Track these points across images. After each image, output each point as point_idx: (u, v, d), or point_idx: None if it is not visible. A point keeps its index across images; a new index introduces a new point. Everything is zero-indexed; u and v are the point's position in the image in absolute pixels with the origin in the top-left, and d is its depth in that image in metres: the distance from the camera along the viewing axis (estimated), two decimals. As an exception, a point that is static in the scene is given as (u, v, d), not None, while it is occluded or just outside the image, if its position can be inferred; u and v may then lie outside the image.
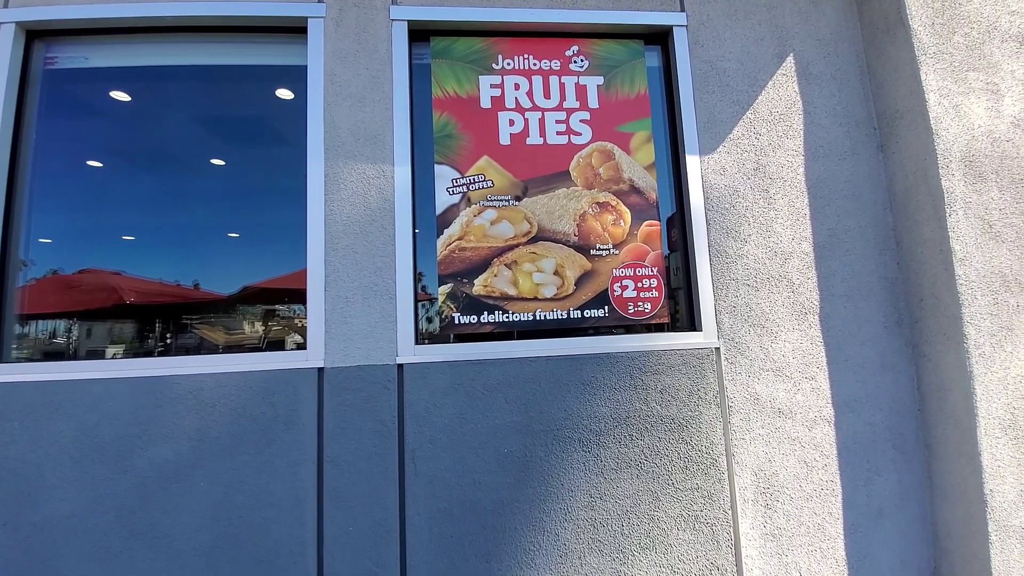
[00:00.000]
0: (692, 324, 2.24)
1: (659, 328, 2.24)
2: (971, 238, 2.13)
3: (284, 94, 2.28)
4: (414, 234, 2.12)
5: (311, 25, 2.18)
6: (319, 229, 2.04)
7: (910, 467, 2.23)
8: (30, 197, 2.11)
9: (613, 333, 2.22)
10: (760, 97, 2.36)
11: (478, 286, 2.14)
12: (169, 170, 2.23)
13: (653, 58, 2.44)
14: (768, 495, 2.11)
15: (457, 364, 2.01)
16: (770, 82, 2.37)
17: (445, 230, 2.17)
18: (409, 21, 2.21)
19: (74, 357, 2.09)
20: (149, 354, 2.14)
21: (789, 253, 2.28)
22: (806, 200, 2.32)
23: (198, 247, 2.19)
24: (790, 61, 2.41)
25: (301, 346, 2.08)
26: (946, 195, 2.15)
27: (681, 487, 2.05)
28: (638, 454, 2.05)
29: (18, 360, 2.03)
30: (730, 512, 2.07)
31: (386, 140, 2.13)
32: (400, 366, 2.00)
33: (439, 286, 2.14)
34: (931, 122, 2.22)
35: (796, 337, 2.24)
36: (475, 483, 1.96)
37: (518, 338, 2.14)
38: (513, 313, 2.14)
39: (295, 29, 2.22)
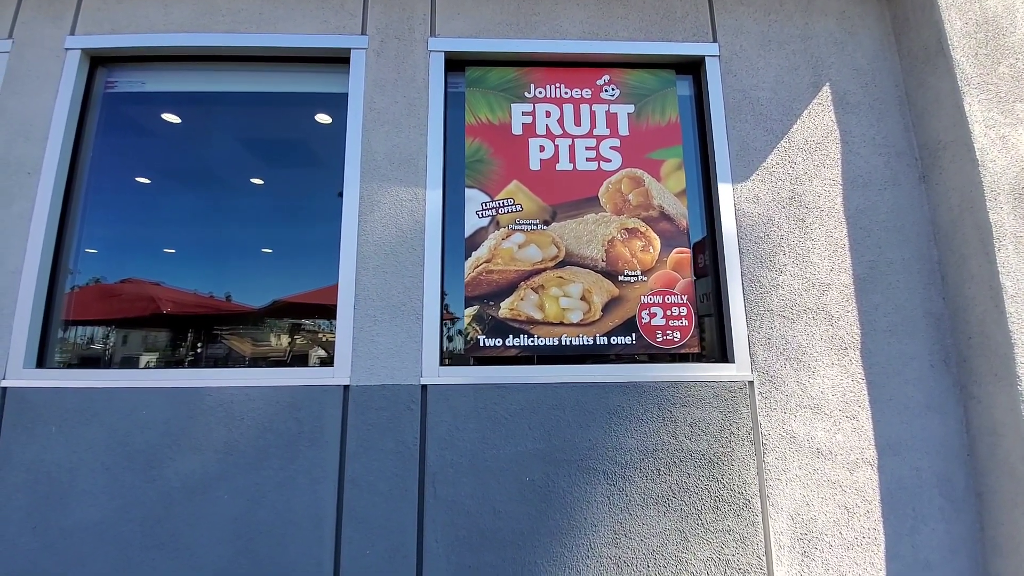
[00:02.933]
0: (723, 355, 2.17)
1: (688, 358, 2.17)
2: (1022, 273, 2.01)
3: (323, 119, 2.38)
4: (442, 255, 2.14)
5: (354, 56, 2.29)
6: (352, 248, 2.09)
7: (959, 517, 2.06)
8: (83, 210, 2.24)
9: (640, 361, 2.17)
10: (795, 126, 2.33)
11: (504, 309, 2.14)
12: (211, 187, 2.34)
13: (684, 87, 2.45)
14: (805, 542, 1.98)
15: (481, 387, 2.00)
16: (805, 111, 2.35)
17: (473, 252, 2.19)
18: (446, 52, 2.30)
19: (110, 363, 2.17)
20: (180, 363, 2.20)
21: (827, 284, 2.20)
22: (845, 230, 2.26)
23: (233, 261, 2.27)
24: (826, 90, 2.38)
25: (326, 361, 2.11)
26: (994, 228, 2.05)
27: (712, 528, 1.95)
28: (666, 490, 1.97)
29: (59, 365, 2.12)
30: (764, 558, 1.95)
31: (419, 164, 2.18)
32: (424, 387, 1.99)
33: (465, 308, 2.14)
34: (976, 153, 2.14)
35: (835, 373, 2.14)
36: (495, 512, 1.91)
37: (543, 363, 2.11)
38: (538, 337, 2.13)
39: (338, 59, 2.33)
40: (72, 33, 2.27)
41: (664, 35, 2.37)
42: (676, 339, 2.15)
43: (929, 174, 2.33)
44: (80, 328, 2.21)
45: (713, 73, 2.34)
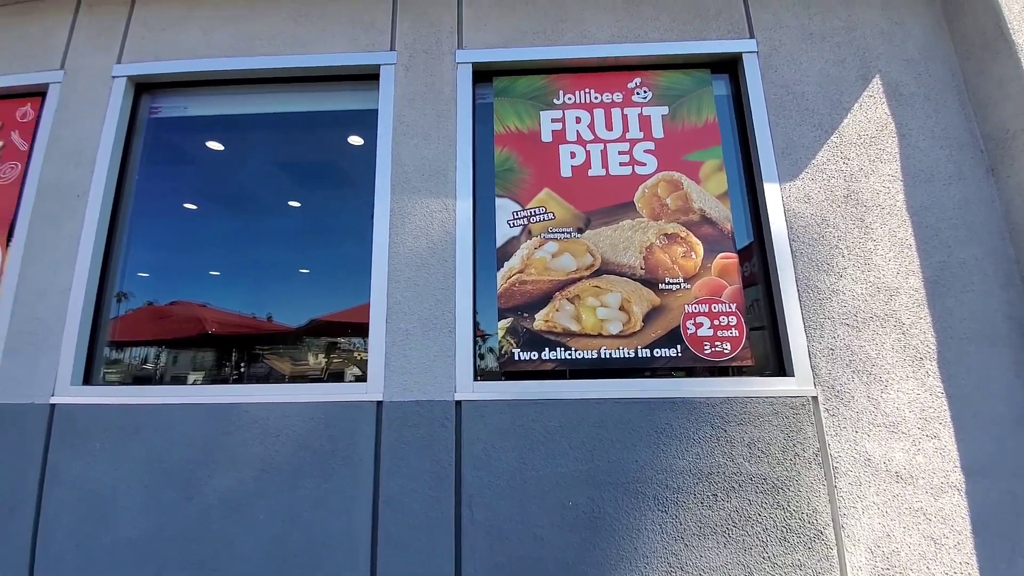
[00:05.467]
0: (780, 368, 1.95)
1: (741, 371, 1.96)
2: None
3: (355, 140, 2.35)
4: (474, 266, 2.03)
5: (383, 72, 2.26)
6: (383, 262, 2.01)
7: None
8: (128, 231, 2.26)
9: (687, 375, 1.97)
10: (846, 120, 2.13)
11: (539, 321, 2.00)
12: (251, 209, 2.33)
13: (720, 86, 2.30)
14: (890, 580, 1.71)
15: (517, 403, 1.85)
16: (856, 104, 2.15)
17: (505, 263, 2.07)
18: (474, 64, 2.24)
19: (160, 382, 2.15)
20: (225, 381, 2.16)
21: (895, 289, 1.96)
22: (910, 229, 2.02)
23: (272, 282, 2.24)
24: (876, 82, 2.18)
25: (360, 378, 2.01)
26: (1092, 221, 1.78)
27: (780, 563, 1.70)
28: (725, 518, 1.74)
29: (109, 383, 2.10)
30: (842, 598, 1.68)
31: (449, 175, 2.10)
32: (458, 403, 1.86)
33: (499, 320, 2.01)
34: (1058, 139, 1.89)
35: (911, 387, 1.88)
36: (537, 538, 1.73)
37: (581, 377, 1.95)
38: (576, 350, 1.97)
39: (368, 76, 2.30)
40: (119, 62, 2.33)
41: (697, 34, 2.24)
42: (726, 351, 1.95)
43: (998, 166, 2.08)
44: (134, 349, 2.22)
45: (752, 69, 2.18)
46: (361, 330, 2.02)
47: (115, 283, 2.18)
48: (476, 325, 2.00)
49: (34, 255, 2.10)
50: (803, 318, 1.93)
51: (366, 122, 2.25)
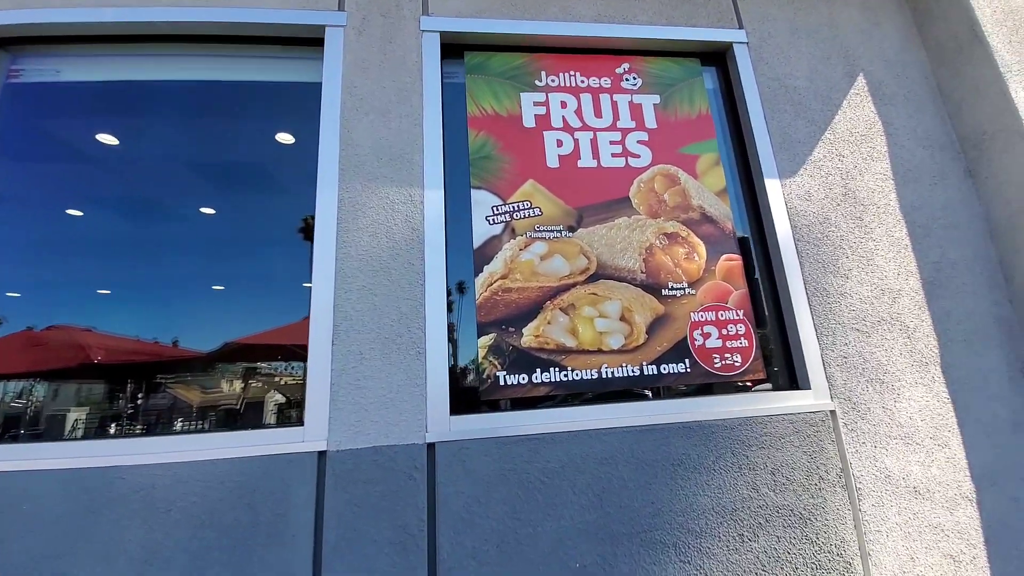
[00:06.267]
0: (793, 380, 1.74)
1: (750, 386, 1.73)
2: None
3: (285, 138, 1.87)
4: (447, 271, 1.64)
5: (329, 35, 1.82)
6: (328, 264, 1.56)
7: None
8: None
9: (697, 394, 1.70)
10: (837, 117, 2.03)
11: (528, 336, 1.64)
12: (151, 214, 1.77)
13: (709, 79, 2.12)
14: (926, 615, 1.51)
15: (506, 441, 1.46)
16: (845, 101, 2.06)
17: (485, 267, 1.69)
18: (442, 33, 1.87)
19: (34, 421, 1.51)
20: (117, 417, 1.57)
21: (897, 291, 1.84)
22: (904, 229, 1.93)
23: (178, 300, 1.69)
24: (861, 80, 2.11)
25: (293, 421, 1.51)
26: (1073, 220, 1.76)
27: (821, 613, 1.45)
28: (753, 561, 1.47)
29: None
30: (884, 645, 1.46)
31: (414, 160, 1.71)
32: (430, 446, 1.44)
33: (479, 337, 1.63)
34: (1034, 141, 1.88)
35: (920, 394, 1.74)
36: (537, 618, 1.34)
37: (581, 403, 1.61)
38: (572, 370, 1.63)
39: (308, 41, 1.85)
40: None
41: (686, 20, 2.05)
42: (737, 364, 1.70)
43: (976, 167, 2.06)
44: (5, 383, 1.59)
45: (743, 60, 2.02)
46: (297, 355, 1.53)
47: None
48: (452, 343, 1.60)
49: None
50: (814, 324, 1.73)
51: (306, 99, 1.79)
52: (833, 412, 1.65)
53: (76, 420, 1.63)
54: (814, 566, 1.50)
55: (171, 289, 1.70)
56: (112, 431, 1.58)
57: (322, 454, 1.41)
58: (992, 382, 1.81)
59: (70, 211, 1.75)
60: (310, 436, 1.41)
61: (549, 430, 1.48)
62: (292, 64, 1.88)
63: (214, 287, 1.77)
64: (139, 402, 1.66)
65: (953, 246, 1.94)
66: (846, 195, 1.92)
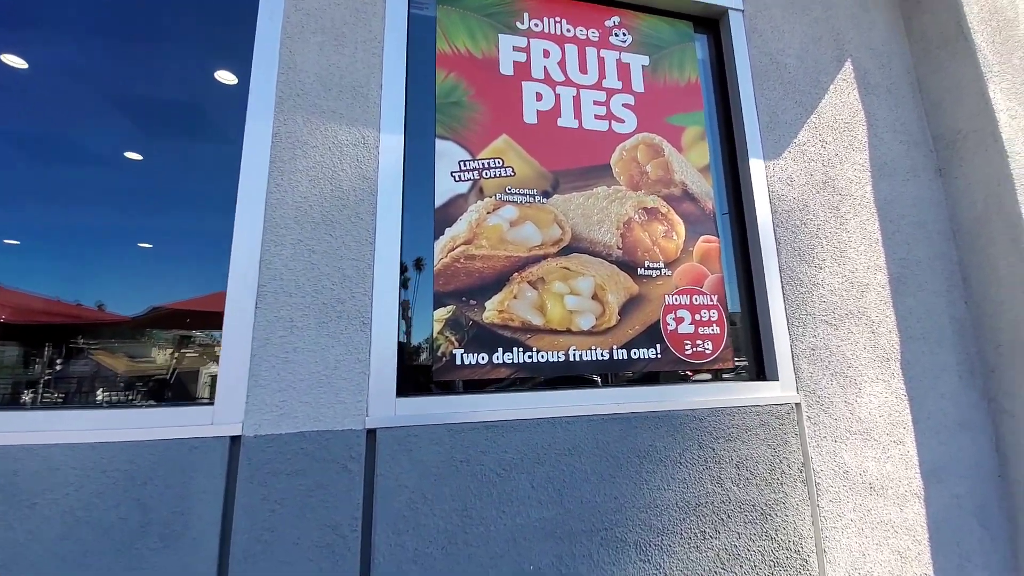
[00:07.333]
0: (760, 371, 1.66)
1: (718, 375, 1.64)
2: (1061, 276, 1.75)
3: (225, 77, 1.51)
4: (402, 230, 1.39)
5: (268, -68, 1.47)
6: (255, 212, 1.27)
7: (996, 547, 1.74)
8: None
9: (666, 381, 1.59)
10: (823, 101, 1.93)
11: (491, 311, 1.44)
12: (70, 156, 1.37)
13: (701, 48, 1.96)
14: (871, 606, 1.51)
15: (460, 428, 1.27)
16: (832, 86, 1.96)
17: (447, 229, 1.47)
18: (409, -50, 1.57)
19: None
20: (33, 384, 1.23)
21: (866, 285, 1.80)
22: (876, 223, 1.88)
23: (100, 258, 1.33)
24: (848, 67, 2.02)
25: (204, 400, 1.24)
26: (1030, 225, 1.78)
27: (777, 609, 1.40)
28: (713, 560, 1.39)
29: None
30: (831, 638, 1.44)
31: (370, 95, 1.42)
32: (371, 432, 1.22)
33: (435, 309, 1.41)
34: (1004, 143, 1.88)
35: (880, 389, 1.72)
36: (484, 624, 1.19)
37: (544, 387, 1.44)
38: (539, 351, 1.45)
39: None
40: None
41: (683, -23, 1.86)
42: (707, 351, 1.60)
43: (947, 167, 2.05)
44: None
45: (737, 29, 1.87)
46: (214, 321, 1.25)
47: None
48: (404, 313, 1.37)
49: None
50: (787, 314, 1.66)
51: (241, 23, 1.44)
52: (798, 405, 1.59)
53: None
54: (772, 563, 1.44)
55: (93, 245, 1.35)
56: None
57: (235, 440, 1.15)
58: (943, 380, 1.82)
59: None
60: (221, 418, 1.16)
61: (509, 416, 1.31)
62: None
63: (140, 244, 1.42)
64: (57, 369, 1.33)
65: (920, 244, 1.93)
66: (826, 183, 1.84)
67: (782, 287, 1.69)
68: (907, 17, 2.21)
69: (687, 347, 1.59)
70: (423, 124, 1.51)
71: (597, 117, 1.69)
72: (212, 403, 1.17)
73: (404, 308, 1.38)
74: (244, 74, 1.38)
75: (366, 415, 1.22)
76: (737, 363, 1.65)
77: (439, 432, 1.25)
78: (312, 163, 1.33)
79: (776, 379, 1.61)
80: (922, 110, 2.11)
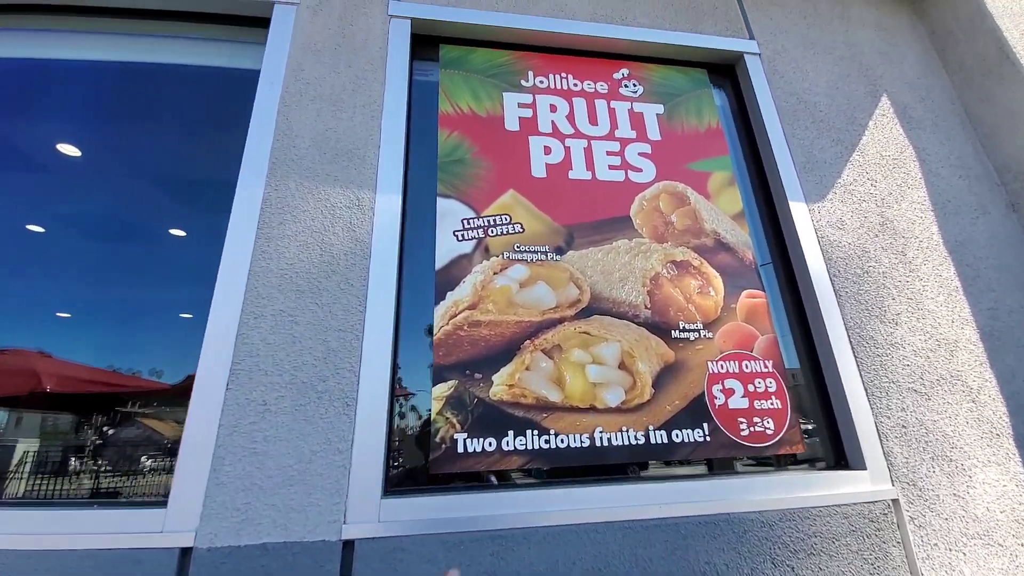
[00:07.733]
0: (840, 457, 1.33)
1: (785, 462, 1.32)
2: None
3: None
4: (398, 295, 1.24)
5: (278, 13, 1.52)
6: (237, 282, 1.15)
7: None
8: None
9: (719, 473, 1.28)
10: (864, 138, 1.75)
11: (499, 386, 1.22)
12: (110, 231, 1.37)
13: (719, 96, 1.86)
14: None
15: (459, 541, 1.01)
16: (871, 122, 1.79)
17: (449, 293, 1.30)
18: (413, 20, 1.59)
19: None
20: (81, 449, 1.10)
21: (954, 343, 1.49)
22: (952, 268, 1.60)
23: (146, 329, 1.26)
24: (885, 101, 1.86)
25: (157, 502, 1.05)
26: None
27: None
28: None
29: None
30: None
31: (367, 157, 1.35)
32: (348, 544, 0.98)
33: (434, 384, 1.21)
34: (1090, 173, 1.61)
35: (995, 476, 1.35)
36: None
37: (566, 481, 1.17)
38: (557, 434, 1.20)
39: (251, 21, 1.55)
40: None
41: (691, 26, 1.81)
42: (769, 431, 1.30)
43: (1020, 200, 1.78)
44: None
45: (756, 72, 1.77)
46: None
47: None
48: (397, 390, 1.17)
49: None
50: (863, 382, 1.35)
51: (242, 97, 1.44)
52: (896, 501, 1.24)
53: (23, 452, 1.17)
54: None
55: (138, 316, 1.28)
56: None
57: (186, 552, 0.94)
58: (1074, 460, 1.42)
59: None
60: (173, 524, 0.95)
61: (521, 524, 1.04)
62: (234, 49, 1.56)
63: (182, 315, 1.34)
64: (107, 434, 1.22)
65: (1007, 291, 1.62)
66: (884, 225, 1.61)
67: (852, 348, 1.40)
68: (940, 49, 2.07)
69: (742, 427, 1.30)
70: (423, 184, 1.42)
71: (612, 167, 1.56)
72: (165, 505, 0.97)
73: (396, 384, 1.19)
74: (239, 143, 1.33)
75: (343, 521, 0.99)
76: (807, 447, 1.34)
77: (433, 545, 0.99)
78: (302, 227, 1.23)
79: (863, 467, 1.28)
80: (976, 142, 1.89)
